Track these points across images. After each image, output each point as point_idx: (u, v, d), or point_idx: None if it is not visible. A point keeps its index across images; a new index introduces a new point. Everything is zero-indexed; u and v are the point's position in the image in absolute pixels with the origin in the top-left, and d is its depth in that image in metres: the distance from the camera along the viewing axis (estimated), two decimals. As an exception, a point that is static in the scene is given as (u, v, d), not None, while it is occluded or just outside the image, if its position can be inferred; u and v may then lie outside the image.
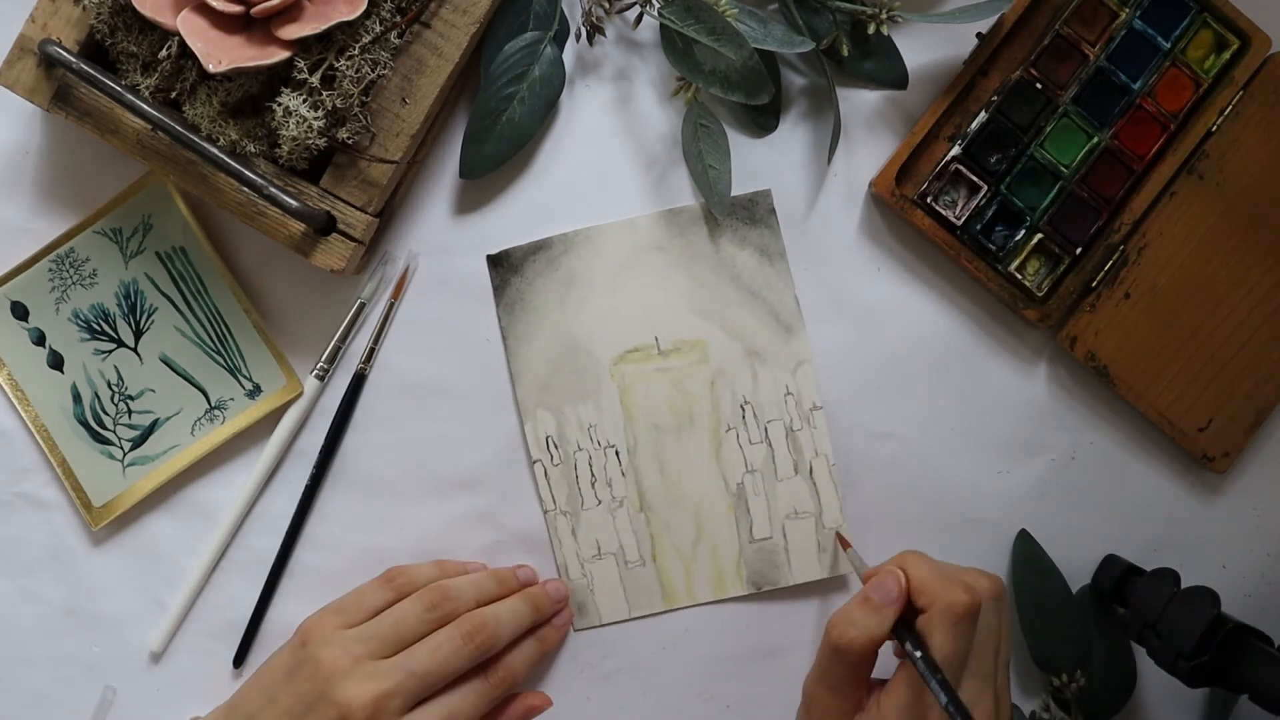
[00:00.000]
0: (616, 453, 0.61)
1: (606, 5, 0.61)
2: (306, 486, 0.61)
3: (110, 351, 0.61)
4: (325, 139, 0.55)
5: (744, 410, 0.61)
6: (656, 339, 0.61)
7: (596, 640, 0.61)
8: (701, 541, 0.61)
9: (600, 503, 0.61)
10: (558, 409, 0.61)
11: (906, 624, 0.50)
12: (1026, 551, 0.61)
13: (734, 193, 0.61)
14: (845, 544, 0.59)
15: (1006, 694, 0.51)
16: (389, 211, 0.60)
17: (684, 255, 0.61)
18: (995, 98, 0.60)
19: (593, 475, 0.61)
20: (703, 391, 0.61)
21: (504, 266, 0.61)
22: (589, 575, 0.61)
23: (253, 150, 0.56)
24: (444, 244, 0.61)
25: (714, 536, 0.61)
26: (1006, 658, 0.52)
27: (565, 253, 0.61)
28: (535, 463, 0.61)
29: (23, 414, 0.61)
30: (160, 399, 0.61)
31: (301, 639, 0.56)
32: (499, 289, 0.61)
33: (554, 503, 0.61)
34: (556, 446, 0.61)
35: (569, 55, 0.61)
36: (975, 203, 0.60)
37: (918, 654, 0.48)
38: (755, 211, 0.61)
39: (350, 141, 0.56)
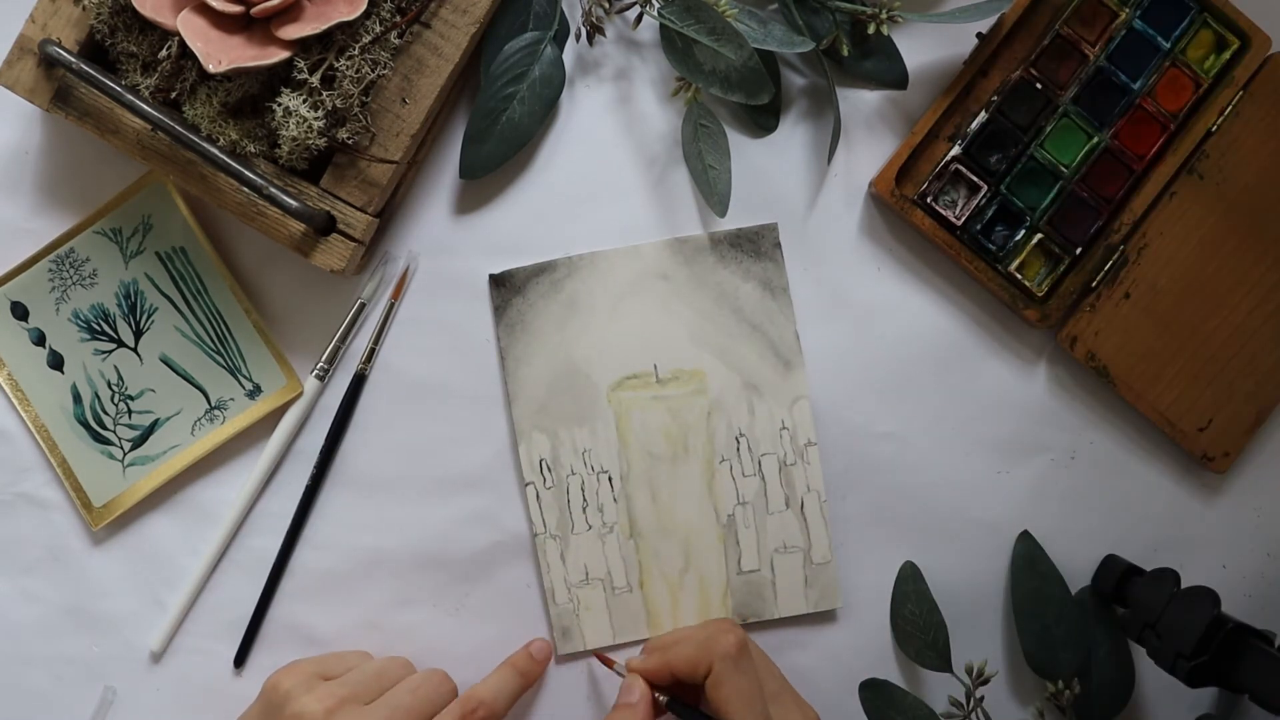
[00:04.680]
0: (609, 478, 0.61)
1: (606, 5, 0.61)
2: (307, 486, 0.61)
3: (110, 351, 0.61)
4: (325, 139, 0.55)
5: (739, 442, 0.61)
6: (655, 367, 0.61)
7: (596, 640, 0.62)
8: (689, 571, 0.61)
9: (590, 528, 0.61)
10: (553, 432, 0.61)
11: (683, 702, 0.54)
12: (1027, 553, 0.61)
13: (737, 201, 0.61)
14: (608, 663, 0.58)
15: (800, 698, 0.55)
16: (389, 211, 0.60)
17: (687, 285, 0.61)
18: (995, 98, 0.60)
19: (584, 500, 0.61)
20: (699, 421, 0.61)
21: (506, 287, 0.61)
22: (575, 600, 0.61)
23: (253, 150, 0.56)
24: (444, 244, 0.61)
25: (702, 566, 0.61)
26: (779, 671, 0.56)
27: (569, 276, 0.61)
28: (528, 485, 0.61)
29: (23, 414, 0.61)
30: (160, 399, 0.61)
31: (272, 687, 0.55)
32: (500, 309, 0.61)
33: (544, 526, 0.61)
34: (550, 469, 0.61)
35: (569, 55, 0.61)
36: (975, 203, 0.60)
37: None
38: (760, 245, 0.61)
39: (350, 141, 0.56)
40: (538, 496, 0.61)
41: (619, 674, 0.57)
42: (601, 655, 0.59)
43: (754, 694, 0.51)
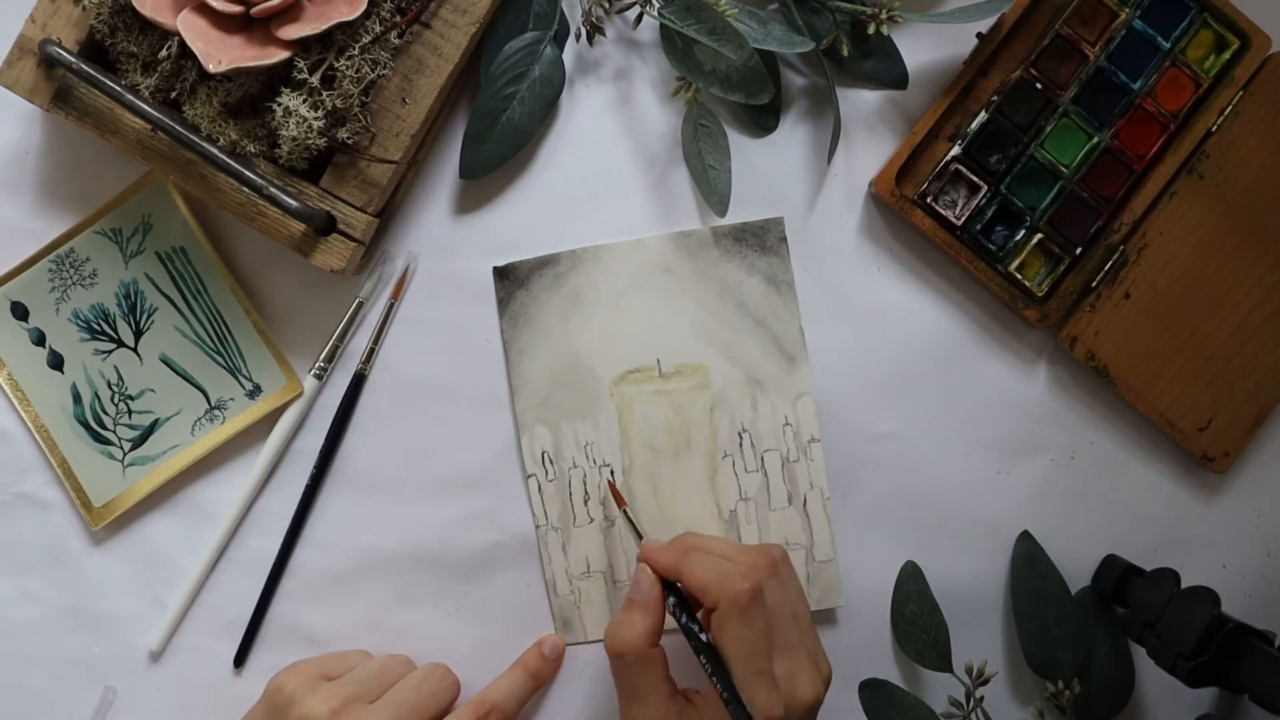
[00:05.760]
0: (611, 472, 0.61)
1: (606, 5, 0.61)
2: (306, 486, 0.61)
3: (110, 351, 0.61)
4: (325, 139, 0.55)
5: (742, 438, 0.61)
6: (658, 361, 0.61)
7: (596, 640, 0.62)
8: None
9: (592, 521, 0.61)
10: (555, 425, 0.61)
11: (696, 621, 0.52)
12: (1027, 553, 0.61)
13: (737, 201, 0.61)
14: (620, 501, 0.58)
15: (820, 651, 0.53)
16: (389, 211, 0.60)
17: (691, 278, 0.61)
18: (995, 98, 0.60)
19: (586, 493, 0.61)
20: (702, 416, 0.61)
21: (510, 280, 0.61)
22: (577, 592, 0.61)
23: (253, 150, 0.56)
24: (444, 244, 0.61)
25: None
26: (806, 618, 0.53)
27: (572, 269, 0.61)
28: (530, 477, 0.61)
29: (23, 414, 0.61)
30: (160, 399, 0.61)
31: (275, 689, 0.55)
32: (504, 301, 0.61)
33: (545, 518, 0.61)
34: (552, 462, 0.61)
35: (569, 55, 0.61)
36: (975, 203, 0.60)
37: (700, 653, 0.51)
38: (766, 239, 0.61)
39: (350, 141, 0.56)
40: (539, 489, 0.61)
41: (631, 526, 0.57)
42: (615, 491, 0.58)
43: (755, 646, 0.50)
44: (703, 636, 0.51)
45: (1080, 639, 0.60)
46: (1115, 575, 0.60)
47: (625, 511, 0.57)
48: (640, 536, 0.56)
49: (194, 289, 0.61)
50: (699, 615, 0.53)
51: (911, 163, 0.60)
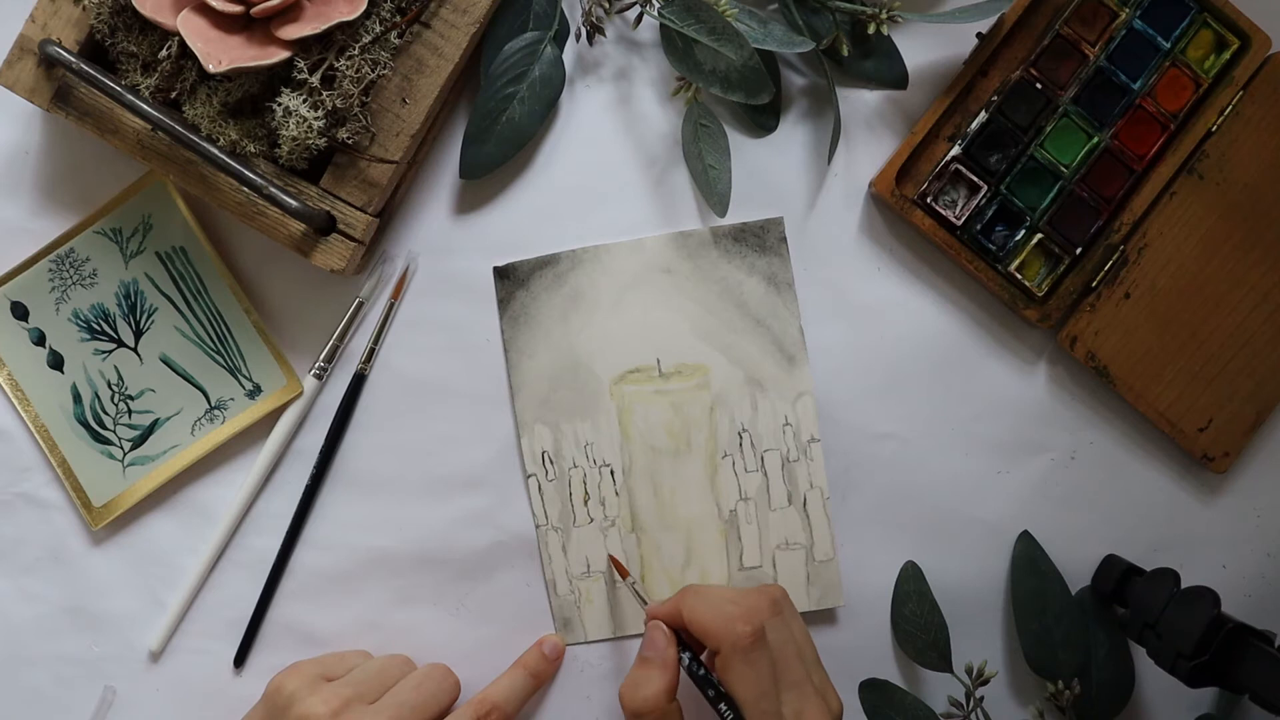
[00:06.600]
0: (611, 472, 0.61)
1: (606, 5, 0.61)
2: (306, 486, 0.61)
3: (110, 351, 0.61)
4: (325, 139, 0.55)
5: (741, 438, 0.61)
6: (658, 361, 0.61)
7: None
8: (691, 566, 0.61)
9: (592, 521, 0.61)
10: (555, 425, 0.61)
11: (702, 664, 0.53)
12: (1027, 553, 0.61)
13: (737, 201, 0.61)
14: (623, 572, 0.59)
15: (828, 686, 0.54)
16: (389, 211, 0.60)
17: (691, 278, 0.61)
18: (995, 98, 0.60)
19: (586, 493, 0.61)
20: (701, 416, 0.61)
21: (510, 279, 0.61)
22: (577, 592, 0.61)
23: (253, 150, 0.56)
24: (444, 244, 0.61)
25: (704, 562, 0.61)
26: (812, 655, 0.54)
27: (572, 269, 0.61)
28: (530, 477, 0.61)
29: (23, 414, 0.61)
30: (160, 399, 0.61)
31: (275, 689, 0.55)
32: (504, 301, 0.61)
33: (546, 518, 0.61)
34: (552, 462, 0.61)
35: (569, 55, 0.61)
36: (975, 203, 0.60)
37: (720, 701, 0.52)
38: (766, 239, 0.61)
39: (350, 141, 0.56)
40: (539, 489, 0.61)
41: (635, 594, 0.58)
42: (617, 563, 0.59)
43: (761, 687, 0.51)
44: (722, 688, 0.52)
45: (1080, 639, 0.60)
46: (1115, 575, 0.60)
47: (630, 583, 0.59)
48: (645, 603, 0.57)
49: (194, 289, 0.61)
50: (704, 660, 0.54)
51: (911, 163, 0.60)
